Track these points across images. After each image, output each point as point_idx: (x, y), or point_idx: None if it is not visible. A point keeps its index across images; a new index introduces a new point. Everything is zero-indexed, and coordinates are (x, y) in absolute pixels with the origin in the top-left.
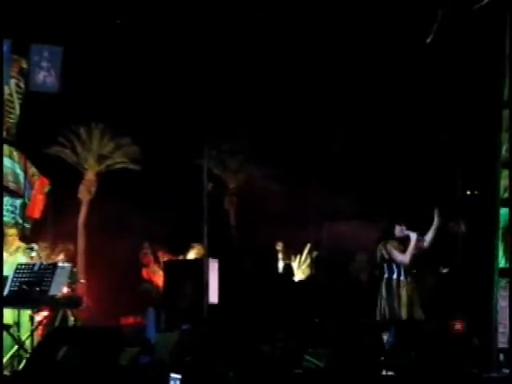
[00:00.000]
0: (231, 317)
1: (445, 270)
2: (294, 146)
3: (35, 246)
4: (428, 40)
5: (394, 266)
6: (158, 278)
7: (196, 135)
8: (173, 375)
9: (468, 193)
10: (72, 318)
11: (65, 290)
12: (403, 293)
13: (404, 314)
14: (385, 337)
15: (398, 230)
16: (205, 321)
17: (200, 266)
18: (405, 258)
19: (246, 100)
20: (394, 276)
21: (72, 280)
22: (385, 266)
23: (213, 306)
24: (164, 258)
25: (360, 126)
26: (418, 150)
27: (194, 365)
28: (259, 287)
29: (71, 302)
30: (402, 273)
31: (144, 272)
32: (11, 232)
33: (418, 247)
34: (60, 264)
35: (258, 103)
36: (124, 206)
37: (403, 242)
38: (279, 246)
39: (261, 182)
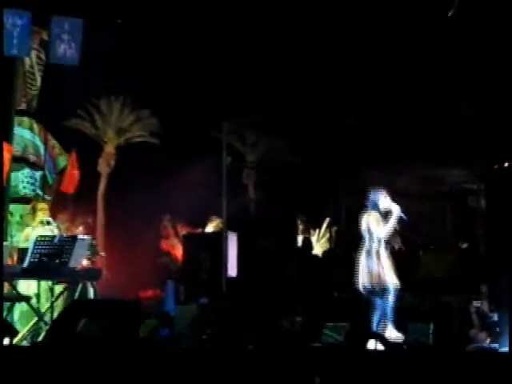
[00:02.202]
0: (250, 290)
1: (464, 245)
2: (312, 119)
3: (51, 219)
4: (450, 13)
5: (375, 237)
6: (177, 251)
7: (215, 108)
8: None
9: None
10: (91, 291)
11: (84, 262)
12: (385, 262)
13: (391, 282)
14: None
15: (384, 202)
16: (223, 294)
17: (219, 239)
18: (382, 231)
19: (265, 72)
20: (374, 245)
21: (92, 253)
22: (366, 236)
23: (231, 279)
24: (183, 231)
25: (379, 99)
26: (441, 125)
27: (213, 338)
28: (278, 261)
29: (91, 274)
30: (382, 244)
31: (163, 245)
32: (41, 206)
33: (399, 221)
34: (80, 236)
35: (276, 76)
36: (143, 179)
37: (387, 215)
38: (298, 220)
39: (280, 156)
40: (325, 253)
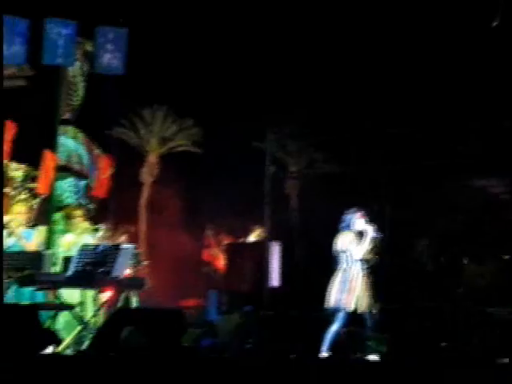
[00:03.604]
0: (293, 300)
1: (507, 257)
2: (353, 128)
3: (102, 226)
4: (494, 23)
5: (351, 258)
6: (219, 261)
7: (258, 118)
8: None
9: None
10: (135, 300)
11: (128, 271)
12: (357, 285)
13: (355, 304)
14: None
15: (358, 223)
16: (266, 304)
17: (261, 248)
18: (359, 252)
19: (307, 84)
20: (351, 267)
21: (135, 262)
22: (343, 256)
23: (274, 289)
24: (225, 240)
25: (421, 109)
26: (480, 136)
27: (256, 347)
28: (320, 271)
29: (134, 283)
30: (360, 265)
31: (204, 254)
32: (78, 213)
33: (374, 242)
34: (123, 245)
35: (318, 86)
36: (185, 189)
37: (362, 235)
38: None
39: (322, 165)
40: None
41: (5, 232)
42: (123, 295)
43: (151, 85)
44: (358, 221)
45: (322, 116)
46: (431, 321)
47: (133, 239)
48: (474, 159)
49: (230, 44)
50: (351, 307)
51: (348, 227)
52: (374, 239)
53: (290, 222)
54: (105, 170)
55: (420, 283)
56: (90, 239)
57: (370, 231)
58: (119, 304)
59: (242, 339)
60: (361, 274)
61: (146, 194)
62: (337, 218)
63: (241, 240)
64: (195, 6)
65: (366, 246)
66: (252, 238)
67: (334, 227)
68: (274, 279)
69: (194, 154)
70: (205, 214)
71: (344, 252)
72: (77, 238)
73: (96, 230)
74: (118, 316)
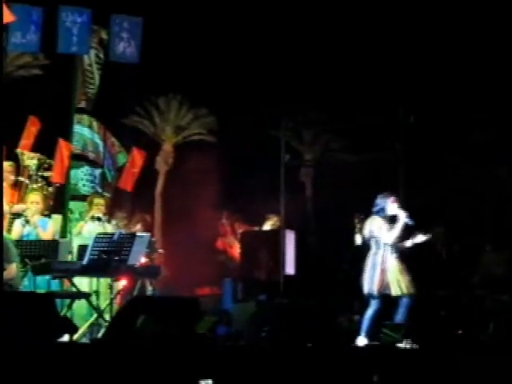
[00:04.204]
0: (308, 288)
1: None
2: (369, 116)
3: (102, 216)
4: None
5: (382, 242)
6: (234, 249)
7: (273, 106)
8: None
9: None
10: (150, 288)
11: (143, 259)
12: (388, 269)
13: (392, 289)
14: None
15: (391, 208)
16: (281, 292)
17: (276, 237)
18: (389, 237)
19: (322, 71)
20: (381, 252)
21: (150, 250)
22: (372, 240)
23: (289, 277)
24: (240, 229)
25: (441, 97)
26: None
27: (272, 336)
28: (336, 259)
29: (149, 271)
30: (389, 249)
31: (219, 243)
32: (100, 201)
33: (405, 227)
34: (139, 234)
35: (332, 75)
36: (200, 177)
37: (392, 220)
38: (356, 219)
39: (337, 154)
40: None
41: (20, 221)
42: (139, 283)
43: (166, 73)
44: (390, 205)
45: (336, 104)
46: (447, 309)
47: (148, 227)
48: (491, 148)
49: (244, 32)
50: (383, 291)
51: (381, 212)
52: (405, 224)
53: (305, 210)
54: (136, 163)
55: (435, 271)
56: (100, 227)
57: (403, 216)
58: (135, 292)
59: (258, 327)
60: (391, 259)
61: (161, 182)
62: (351, 206)
63: (256, 228)
64: None
65: (397, 231)
66: (267, 226)
67: (348, 215)
68: (289, 267)
69: (208, 143)
70: (219, 202)
71: (372, 237)
72: (89, 226)
73: (99, 218)
74: (133, 304)
